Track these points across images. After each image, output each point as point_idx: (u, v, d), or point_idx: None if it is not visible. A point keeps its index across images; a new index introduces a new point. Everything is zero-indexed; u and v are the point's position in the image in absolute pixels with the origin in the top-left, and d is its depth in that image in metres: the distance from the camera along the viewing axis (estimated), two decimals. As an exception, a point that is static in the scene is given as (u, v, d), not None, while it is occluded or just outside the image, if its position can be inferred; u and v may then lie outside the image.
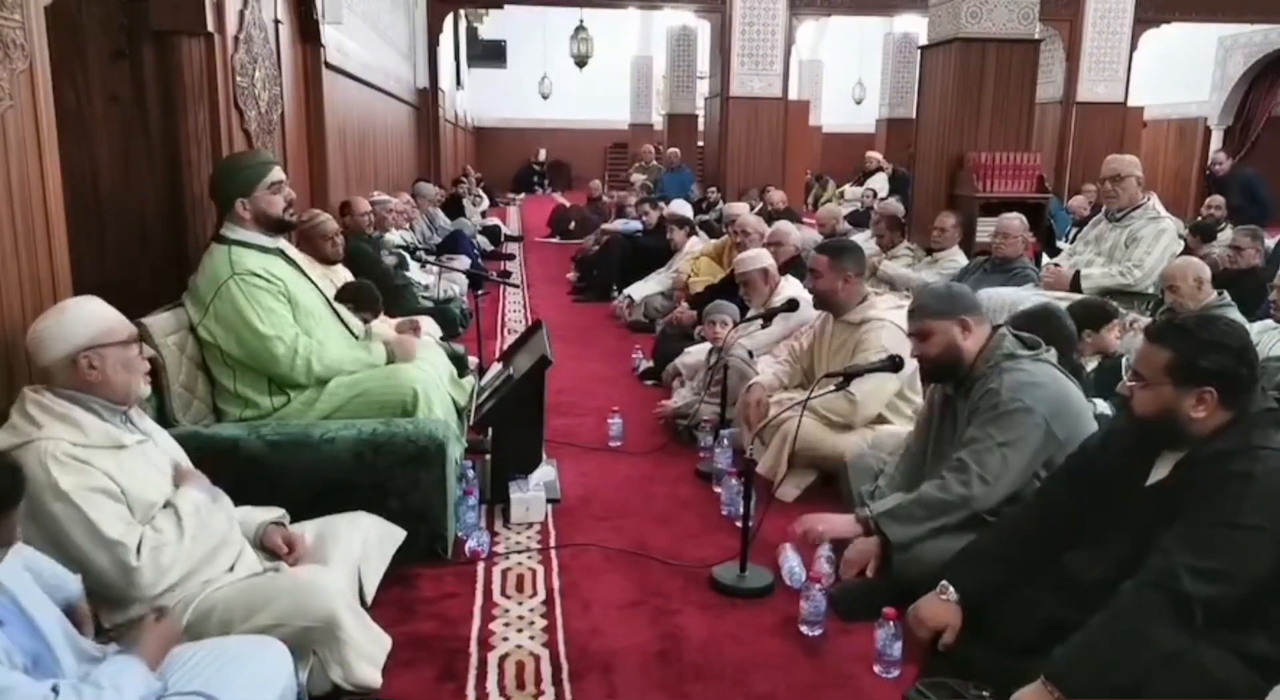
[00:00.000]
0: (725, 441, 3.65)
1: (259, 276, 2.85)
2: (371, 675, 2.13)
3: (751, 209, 7.81)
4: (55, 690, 1.47)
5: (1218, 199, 7.90)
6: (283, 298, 2.91)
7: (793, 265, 4.94)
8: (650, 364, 5.27)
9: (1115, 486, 2.17)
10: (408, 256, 6.18)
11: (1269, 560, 1.87)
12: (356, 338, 3.19)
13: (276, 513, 2.40)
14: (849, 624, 2.57)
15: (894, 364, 3.04)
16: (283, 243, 3.05)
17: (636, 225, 8.78)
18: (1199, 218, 7.53)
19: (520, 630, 2.57)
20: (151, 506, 2.03)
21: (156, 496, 2.06)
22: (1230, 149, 12.38)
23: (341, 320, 3.18)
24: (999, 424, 2.52)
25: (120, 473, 1.98)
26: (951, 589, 2.29)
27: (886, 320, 3.42)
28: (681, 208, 7.91)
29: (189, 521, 2.04)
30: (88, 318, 2.03)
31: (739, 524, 2.89)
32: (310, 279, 3.10)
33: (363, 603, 2.34)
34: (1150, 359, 2.05)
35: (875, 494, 2.84)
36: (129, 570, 1.91)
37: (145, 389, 2.13)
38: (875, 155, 13.08)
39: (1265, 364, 3.26)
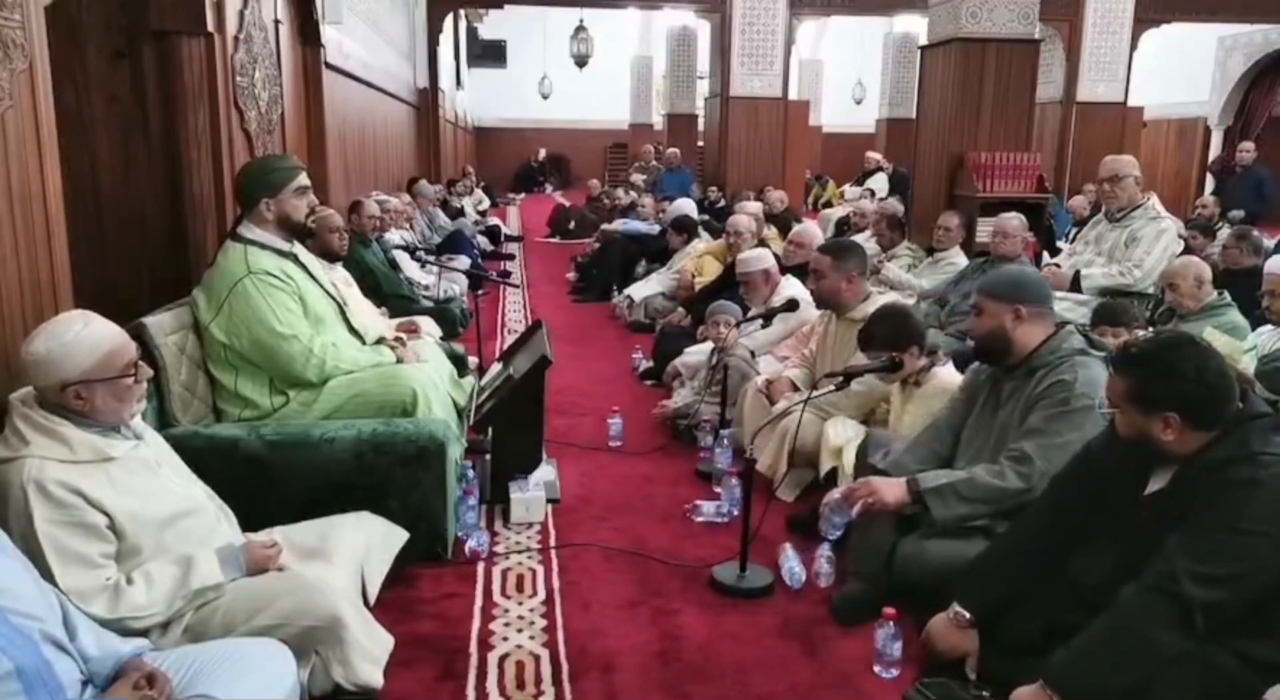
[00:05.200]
0: (725, 441, 3.65)
1: (274, 276, 2.86)
2: (374, 675, 2.13)
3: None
4: None
5: (1208, 199, 7.91)
6: (296, 298, 2.92)
7: (804, 267, 4.91)
8: (650, 364, 5.27)
9: (1116, 491, 2.17)
10: (408, 256, 6.18)
11: (1272, 566, 1.87)
12: (364, 342, 3.20)
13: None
14: (849, 629, 2.57)
15: (894, 364, 3.04)
16: (297, 247, 3.05)
17: (640, 226, 8.74)
18: (1194, 217, 7.52)
19: (520, 630, 2.57)
20: (146, 522, 1.99)
21: (153, 510, 2.02)
22: (1230, 148, 12.37)
23: (349, 324, 3.18)
24: (1068, 420, 2.47)
25: (111, 491, 1.95)
26: (965, 612, 2.27)
27: (887, 319, 3.42)
28: (686, 206, 7.82)
29: (174, 598, 1.97)
30: (84, 349, 1.93)
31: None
32: (320, 283, 3.10)
33: (365, 602, 2.34)
34: (1114, 386, 2.09)
35: (885, 457, 2.80)
36: (84, 610, 1.83)
37: (139, 407, 2.07)
38: (875, 155, 13.08)
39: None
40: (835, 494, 2.70)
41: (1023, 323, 2.62)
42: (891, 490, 2.55)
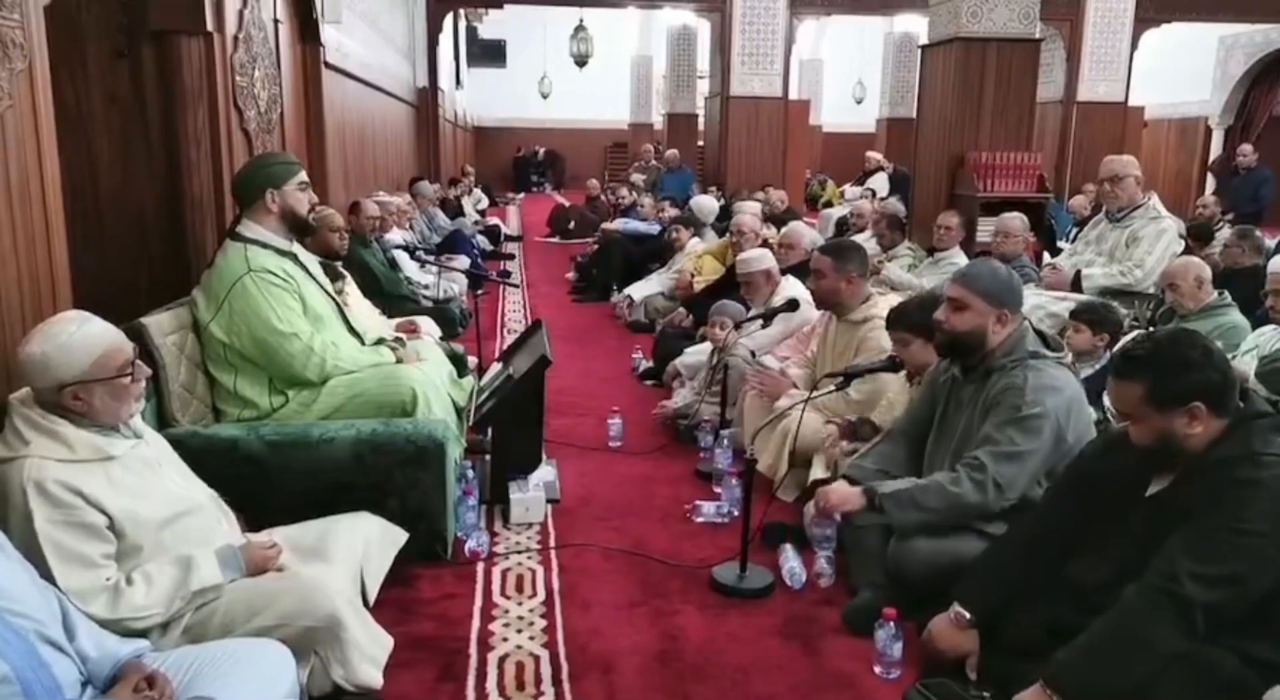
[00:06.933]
0: (725, 441, 3.65)
1: (274, 274, 2.85)
2: (373, 675, 2.13)
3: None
4: None
5: (1208, 199, 7.92)
6: (296, 297, 2.92)
7: (801, 267, 4.91)
8: (650, 364, 5.27)
9: (1116, 494, 2.16)
10: (407, 256, 6.17)
11: (1273, 566, 1.87)
12: (363, 342, 3.19)
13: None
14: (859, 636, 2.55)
15: (894, 364, 3.03)
16: (296, 247, 3.05)
17: (640, 226, 8.72)
18: (1194, 218, 7.52)
19: (520, 631, 2.57)
20: (146, 522, 1.98)
21: (153, 510, 2.01)
22: (1231, 148, 12.38)
23: (349, 325, 3.18)
24: (1021, 428, 2.47)
25: (110, 490, 1.94)
26: (965, 613, 2.26)
27: (889, 319, 3.42)
28: (706, 203, 7.73)
29: (173, 598, 1.97)
30: (80, 350, 1.92)
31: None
32: (320, 283, 3.10)
33: (365, 603, 2.33)
34: (1126, 396, 2.04)
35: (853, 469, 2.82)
36: (84, 610, 1.83)
37: (138, 406, 2.07)
38: (875, 155, 13.06)
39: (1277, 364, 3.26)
40: (809, 509, 2.77)
41: (1003, 327, 2.61)
42: (848, 500, 2.62)
